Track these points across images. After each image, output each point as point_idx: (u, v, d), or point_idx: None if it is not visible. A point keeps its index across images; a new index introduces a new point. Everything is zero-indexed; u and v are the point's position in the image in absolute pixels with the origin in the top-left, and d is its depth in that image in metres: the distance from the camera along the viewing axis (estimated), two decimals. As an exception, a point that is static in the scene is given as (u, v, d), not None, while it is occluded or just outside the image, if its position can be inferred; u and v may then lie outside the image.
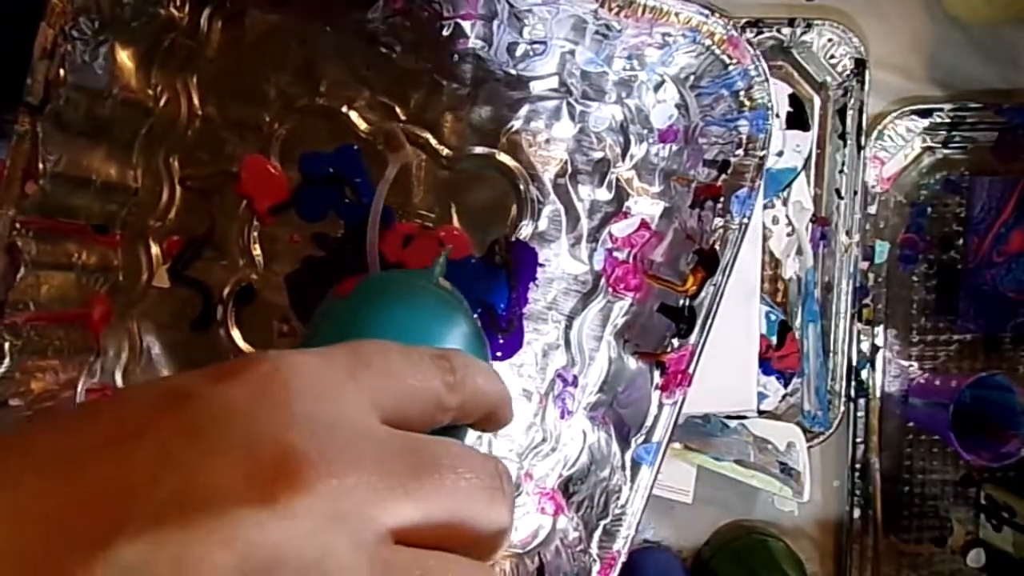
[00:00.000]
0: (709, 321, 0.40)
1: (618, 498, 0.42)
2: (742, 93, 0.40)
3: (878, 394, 0.54)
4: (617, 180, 0.46)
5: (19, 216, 0.41)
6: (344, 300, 0.32)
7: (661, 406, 0.42)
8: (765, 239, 0.52)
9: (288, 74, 0.46)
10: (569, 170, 0.46)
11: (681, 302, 0.41)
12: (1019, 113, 0.52)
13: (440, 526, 0.18)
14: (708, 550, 0.55)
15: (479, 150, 0.46)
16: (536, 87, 0.46)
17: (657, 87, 0.44)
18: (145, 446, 0.15)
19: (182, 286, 0.47)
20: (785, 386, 0.53)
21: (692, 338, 0.41)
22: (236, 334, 0.47)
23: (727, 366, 0.48)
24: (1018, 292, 0.53)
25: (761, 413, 0.52)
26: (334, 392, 0.18)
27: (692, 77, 0.42)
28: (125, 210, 0.46)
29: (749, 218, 0.40)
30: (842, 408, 0.53)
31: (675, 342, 0.41)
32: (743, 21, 0.51)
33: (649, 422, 0.42)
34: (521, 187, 0.46)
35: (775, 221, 0.53)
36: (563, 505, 0.47)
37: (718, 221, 0.40)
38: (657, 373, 0.42)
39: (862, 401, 0.54)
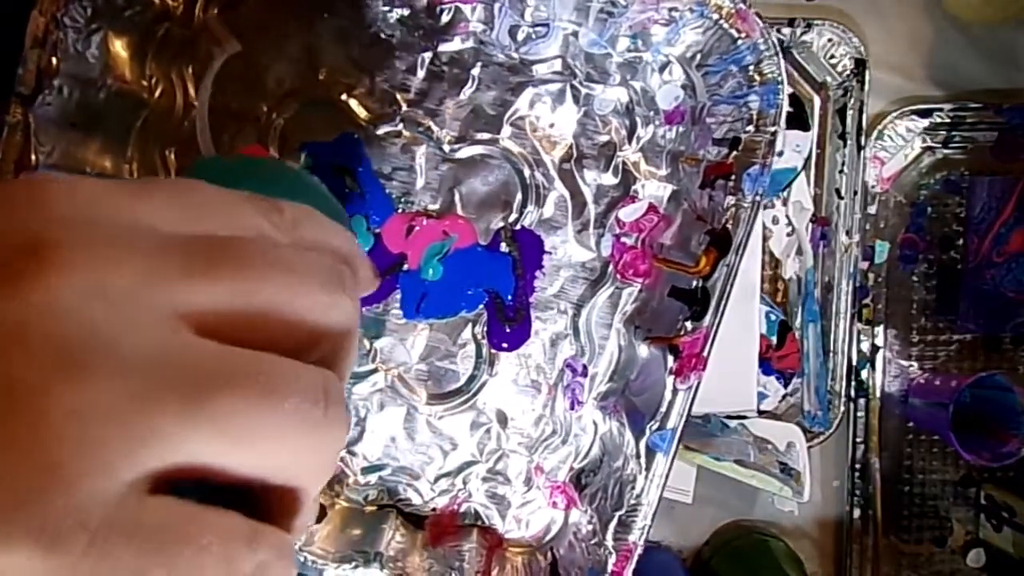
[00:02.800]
0: (723, 303, 0.39)
1: (633, 488, 0.41)
2: (751, 68, 0.39)
3: (878, 394, 0.54)
4: (624, 164, 0.45)
5: (11, 209, 0.40)
6: None
7: (676, 391, 0.40)
8: (765, 239, 0.52)
9: (286, 62, 0.45)
10: (574, 155, 0.45)
11: (694, 284, 0.40)
12: (1019, 113, 0.52)
13: (257, 316, 0.15)
14: (708, 550, 0.54)
15: (482, 136, 0.45)
16: (539, 70, 0.45)
17: (663, 68, 0.44)
18: None
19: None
20: (785, 386, 0.52)
21: (706, 320, 0.40)
22: (236, 329, 0.46)
23: (727, 366, 0.47)
24: (1018, 292, 0.52)
25: (761, 413, 0.52)
26: (113, 204, 0.15)
27: (699, 55, 0.42)
28: (120, 204, 0.45)
29: (761, 196, 0.39)
30: (842, 408, 0.52)
31: (688, 325, 0.40)
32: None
33: (664, 408, 0.41)
34: (525, 173, 0.46)
35: (775, 221, 0.52)
36: (575, 498, 0.46)
37: (730, 200, 0.39)
38: (671, 358, 0.41)
39: (862, 401, 0.53)
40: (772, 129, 0.39)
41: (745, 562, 0.52)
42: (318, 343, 0.16)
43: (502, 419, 0.47)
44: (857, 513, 0.53)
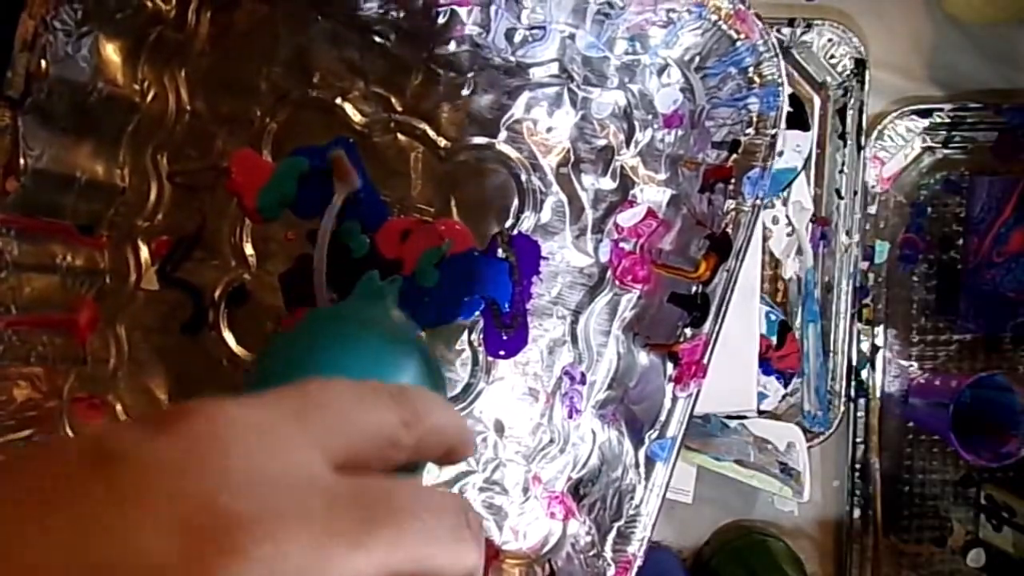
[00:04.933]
0: (723, 308, 0.39)
1: (632, 498, 0.40)
2: (751, 70, 0.38)
3: (878, 394, 0.53)
4: (622, 168, 0.45)
5: (-1, 214, 0.39)
6: (289, 335, 0.30)
7: (675, 399, 0.40)
8: (765, 239, 0.52)
9: (279, 66, 0.44)
10: (572, 159, 0.45)
11: (693, 289, 0.40)
12: (1019, 113, 0.52)
13: (404, 572, 0.16)
14: (708, 550, 0.54)
15: (478, 140, 0.45)
16: (536, 74, 0.44)
17: (661, 71, 0.43)
18: (71, 512, 0.14)
19: (172, 288, 0.45)
20: (785, 386, 0.52)
21: (706, 327, 0.39)
22: (229, 337, 0.45)
23: (727, 366, 0.46)
24: (1018, 292, 0.52)
25: (761, 413, 0.51)
26: (277, 442, 0.17)
27: (697, 58, 0.41)
28: (112, 210, 0.44)
29: (762, 200, 0.38)
30: (842, 408, 0.52)
31: (688, 331, 0.39)
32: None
33: (663, 417, 0.40)
34: (522, 178, 0.45)
35: (775, 221, 0.52)
36: (573, 509, 0.45)
37: (729, 203, 0.39)
38: (670, 365, 0.40)
39: (862, 401, 0.53)
40: (772, 132, 0.38)
41: (745, 562, 0.52)
42: None
43: (499, 428, 0.46)
44: (857, 513, 0.53)
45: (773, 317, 0.51)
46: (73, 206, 0.43)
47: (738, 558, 0.52)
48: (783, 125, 0.38)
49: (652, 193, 0.44)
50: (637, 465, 0.40)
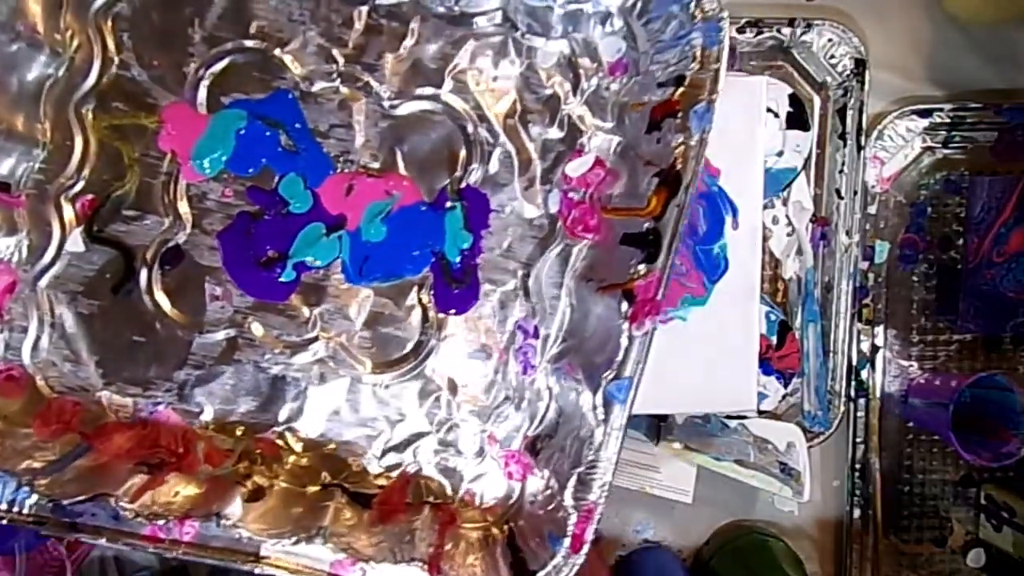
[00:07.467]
0: (675, 243, 0.38)
1: (591, 443, 0.39)
2: (692, 5, 0.39)
3: (878, 394, 0.54)
4: (568, 117, 0.44)
5: (-96, 160, 0.36)
6: None
7: (632, 339, 0.39)
8: (765, 239, 0.51)
9: (214, 15, 0.43)
10: (519, 109, 0.44)
11: (645, 226, 0.39)
12: (1019, 113, 0.52)
13: None
14: (708, 550, 0.54)
15: (423, 91, 0.44)
16: (480, 23, 0.44)
17: (604, 19, 0.43)
18: None
19: (100, 249, 0.43)
20: (785, 386, 0.52)
21: (659, 261, 0.38)
22: (162, 299, 0.43)
23: (727, 366, 0.46)
24: (1018, 292, 0.52)
25: (761, 413, 0.51)
26: None
27: (640, 3, 0.41)
28: (32, 166, 0.42)
29: (708, 133, 0.38)
30: (842, 408, 0.52)
31: (641, 268, 0.39)
32: (743, 21, 0.50)
33: (619, 357, 0.39)
34: (469, 129, 0.44)
35: (775, 221, 0.52)
36: (531, 465, 0.44)
37: (678, 137, 0.39)
38: (625, 304, 0.39)
39: (862, 401, 0.53)
40: (716, 66, 0.38)
41: (745, 562, 0.51)
42: None
43: (452, 387, 0.45)
44: (857, 513, 0.53)
45: (773, 317, 0.51)
46: (-11, 161, 0.40)
47: (738, 558, 0.52)
48: (726, 60, 0.38)
49: (600, 141, 0.44)
50: (594, 407, 0.39)
